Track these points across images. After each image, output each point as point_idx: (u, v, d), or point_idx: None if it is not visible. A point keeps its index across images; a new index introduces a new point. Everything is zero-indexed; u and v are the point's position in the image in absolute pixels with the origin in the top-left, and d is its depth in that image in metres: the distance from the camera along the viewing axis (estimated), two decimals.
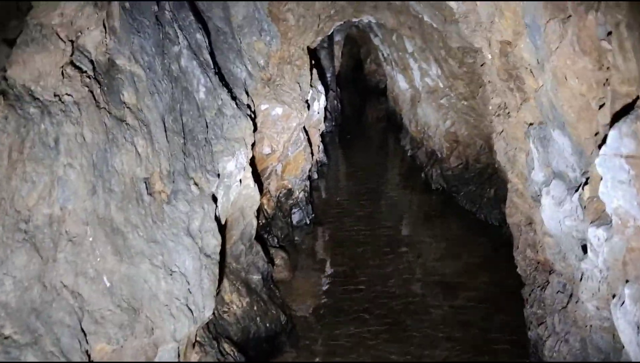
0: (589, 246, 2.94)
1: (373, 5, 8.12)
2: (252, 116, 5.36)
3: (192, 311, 3.32)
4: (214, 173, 4.12)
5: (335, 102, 15.97)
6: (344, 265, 6.67)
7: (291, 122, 6.51)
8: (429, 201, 8.90)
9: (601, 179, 2.57)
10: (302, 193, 7.79)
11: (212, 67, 4.65)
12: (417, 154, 10.66)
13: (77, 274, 2.66)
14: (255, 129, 5.35)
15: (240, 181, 4.67)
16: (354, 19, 8.67)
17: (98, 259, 2.78)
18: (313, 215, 8.04)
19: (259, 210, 6.37)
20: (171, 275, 3.23)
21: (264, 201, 6.96)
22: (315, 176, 10.14)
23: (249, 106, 5.41)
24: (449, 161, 8.71)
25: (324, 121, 9.11)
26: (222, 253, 4.41)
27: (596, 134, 2.83)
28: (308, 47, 7.64)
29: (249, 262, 5.20)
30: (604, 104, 2.69)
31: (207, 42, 4.70)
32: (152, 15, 3.73)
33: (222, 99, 4.53)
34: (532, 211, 4.05)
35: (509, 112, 4.03)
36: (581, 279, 3.13)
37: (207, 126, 4.21)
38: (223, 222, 4.35)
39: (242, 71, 5.61)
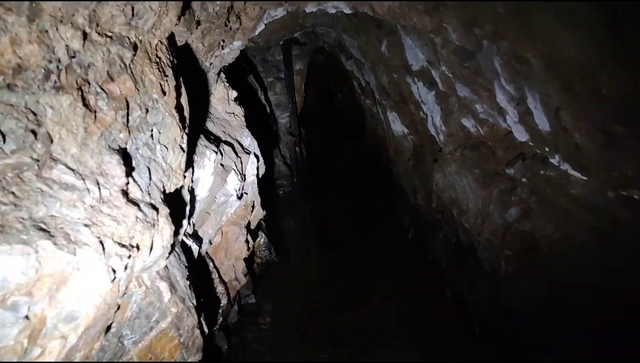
0: None
1: None
2: None
3: None
4: None
5: (297, 149, 11.54)
6: None
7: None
8: None
9: None
10: None
11: None
12: (430, 243, 6.21)
13: None
14: None
15: None
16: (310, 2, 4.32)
17: None
18: None
19: None
20: None
21: None
22: (253, 300, 5.55)
23: None
24: (513, 282, 4.27)
25: (279, 178, 4.62)
26: None
27: None
28: (182, 47, 3.22)
29: None
30: None
31: None
32: None
33: None
34: None
35: None
36: None
37: None
38: None
39: None
